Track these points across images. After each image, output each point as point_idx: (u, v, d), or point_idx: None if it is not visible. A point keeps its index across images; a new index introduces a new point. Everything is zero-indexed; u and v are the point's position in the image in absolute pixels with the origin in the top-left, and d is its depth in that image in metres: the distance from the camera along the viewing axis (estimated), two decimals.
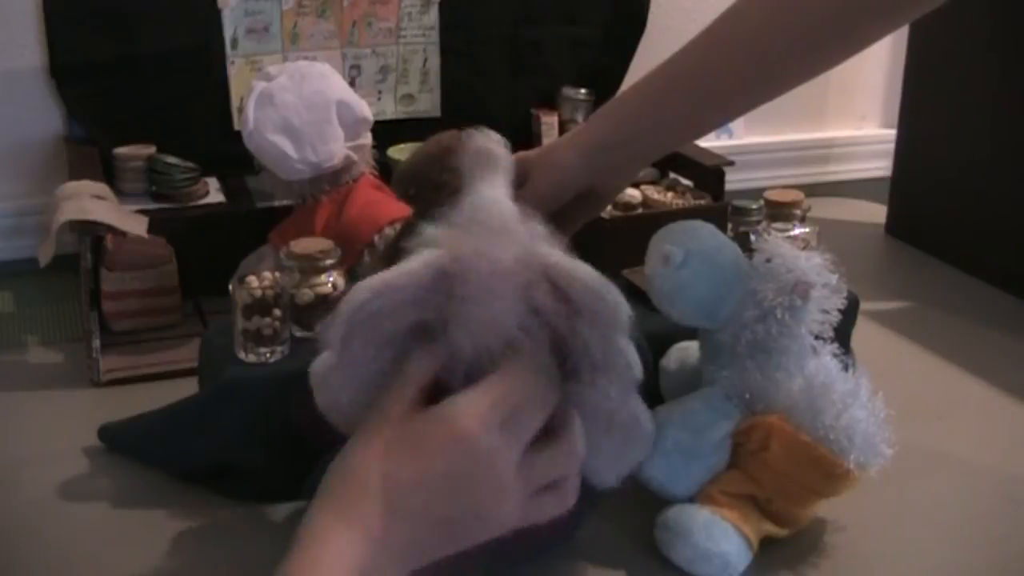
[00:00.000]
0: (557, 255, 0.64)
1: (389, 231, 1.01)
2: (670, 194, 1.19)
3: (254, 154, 1.04)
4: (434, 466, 0.63)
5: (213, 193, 1.22)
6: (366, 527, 0.60)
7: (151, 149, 1.21)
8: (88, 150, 1.23)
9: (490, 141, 0.70)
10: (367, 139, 1.09)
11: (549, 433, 0.66)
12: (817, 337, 0.76)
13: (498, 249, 0.63)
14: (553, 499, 0.67)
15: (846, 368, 0.78)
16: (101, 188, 1.08)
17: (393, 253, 0.74)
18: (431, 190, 0.80)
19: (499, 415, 0.64)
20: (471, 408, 0.64)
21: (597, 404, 0.67)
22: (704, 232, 0.76)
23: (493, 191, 0.68)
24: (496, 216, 0.65)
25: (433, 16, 1.35)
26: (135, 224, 1.06)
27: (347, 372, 0.68)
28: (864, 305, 0.99)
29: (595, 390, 0.65)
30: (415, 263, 0.66)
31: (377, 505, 0.61)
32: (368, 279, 0.65)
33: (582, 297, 0.63)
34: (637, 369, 0.66)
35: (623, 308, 0.63)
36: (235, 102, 1.29)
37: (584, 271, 0.64)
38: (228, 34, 1.27)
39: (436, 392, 0.65)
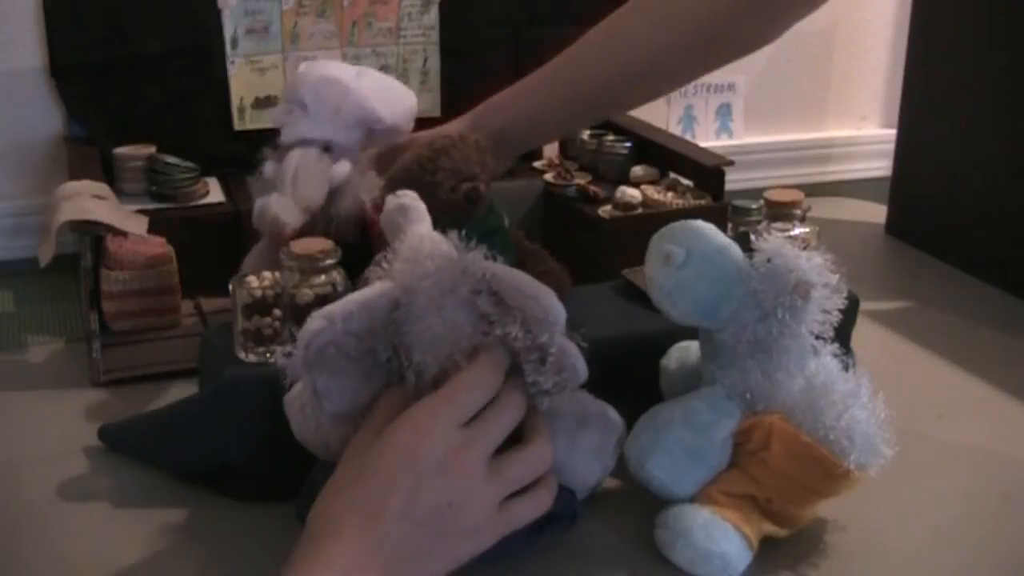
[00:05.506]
0: (494, 266, 0.68)
1: None
2: (670, 194, 1.19)
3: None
4: (403, 466, 0.64)
5: (213, 193, 1.22)
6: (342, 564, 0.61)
7: (151, 149, 1.21)
8: (88, 150, 1.23)
9: (405, 198, 0.77)
10: None
11: (521, 440, 0.69)
12: (817, 337, 0.76)
13: (442, 271, 0.68)
14: (529, 503, 0.69)
15: (846, 368, 0.78)
16: (101, 188, 1.08)
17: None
18: (423, 191, 0.81)
19: (458, 411, 0.66)
20: (426, 405, 0.66)
21: (560, 404, 0.70)
22: (705, 232, 0.76)
23: (423, 230, 0.74)
24: (431, 246, 0.70)
25: (433, 16, 1.35)
26: (135, 224, 1.06)
27: (322, 407, 0.70)
28: (864, 305, 0.99)
29: (542, 389, 0.69)
30: (366, 292, 0.69)
31: (353, 530, 0.62)
32: (320, 309, 0.68)
33: (516, 300, 0.67)
34: (582, 368, 0.69)
35: (556, 309, 0.67)
36: (235, 102, 1.29)
37: (517, 276, 0.68)
38: (228, 34, 1.27)
39: None
